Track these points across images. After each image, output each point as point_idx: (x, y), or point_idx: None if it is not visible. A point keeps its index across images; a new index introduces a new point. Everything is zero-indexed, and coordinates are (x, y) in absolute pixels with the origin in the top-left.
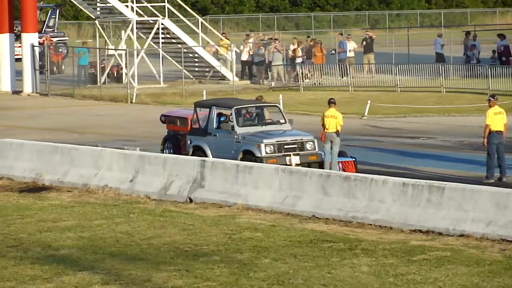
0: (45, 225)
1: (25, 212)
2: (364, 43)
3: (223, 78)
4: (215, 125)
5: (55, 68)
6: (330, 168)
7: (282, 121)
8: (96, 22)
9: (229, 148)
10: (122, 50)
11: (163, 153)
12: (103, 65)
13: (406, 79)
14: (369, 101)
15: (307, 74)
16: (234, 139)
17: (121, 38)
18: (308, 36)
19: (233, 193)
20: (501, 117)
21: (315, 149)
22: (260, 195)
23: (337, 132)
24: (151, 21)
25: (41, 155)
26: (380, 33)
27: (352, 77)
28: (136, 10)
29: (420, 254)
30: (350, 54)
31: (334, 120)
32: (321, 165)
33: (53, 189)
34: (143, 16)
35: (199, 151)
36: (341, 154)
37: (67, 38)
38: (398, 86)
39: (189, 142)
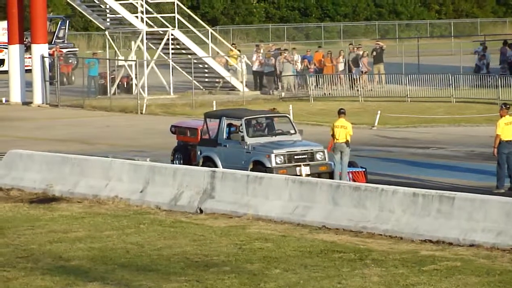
0: (56, 236)
1: (35, 223)
2: (374, 53)
3: (233, 88)
4: (225, 136)
5: (65, 79)
6: (340, 179)
7: (292, 131)
8: (106, 33)
9: (239, 159)
10: (132, 61)
11: (173, 163)
12: (113, 76)
13: (416, 89)
14: (379, 111)
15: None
16: (244, 149)
17: (131, 49)
18: (320, 46)
19: (243, 203)
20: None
21: (325, 160)
22: (270, 206)
23: (347, 142)
24: (161, 32)
25: (51, 166)
26: (390, 43)
27: (362, 88)
28: (146, 21)
29: (431, 264)
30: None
31: (344, 130)
32: (331, 175)
33: (63, 200)
34: (153, 27)
35: (209, 162)
36: (351, 164)
37: (77, 49)
38: (408, 96)
39: (199, 152)
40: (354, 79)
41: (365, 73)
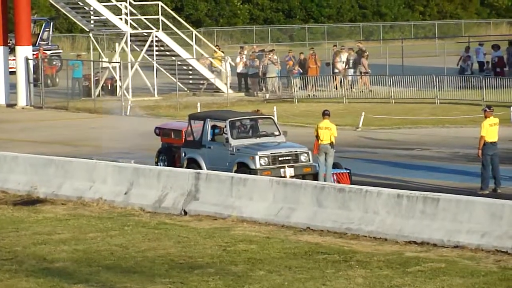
0: (40, 238)
1: (19, 225)
2: (356, 55)
3: (217, 90)
4: (209, 138)
5: (49, 81)
6: (325, 180)
7: (276, 133)
8: (90, 34)
9: (223, 160)
10: (116, 62)
11: (158, 165)
12: (97, 78)
13: (400, 90)
14: (363, 113)
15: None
16: (229, 151)
17: (115, 51)
18: (312, 48)
19: (227, 205)
20: (496, 128)
21: (309, 161)
22: (254, 207)
23: (331, 144)
24: (145, 34)
25: (35, 168)
26: (374, 44)
27: (346, 89)
28: (130, 23)
29: (415, 266)
30: (343, 65)
31: (328, 131)
32: (315, 177)
33: (47, 202)
34: (137, 29)
35: (193, 164)
36: (335, 165)
37: (61, 51)
38: (393, 97)
39: (183, 154)
40: (341, 80)
41: (365, 74)
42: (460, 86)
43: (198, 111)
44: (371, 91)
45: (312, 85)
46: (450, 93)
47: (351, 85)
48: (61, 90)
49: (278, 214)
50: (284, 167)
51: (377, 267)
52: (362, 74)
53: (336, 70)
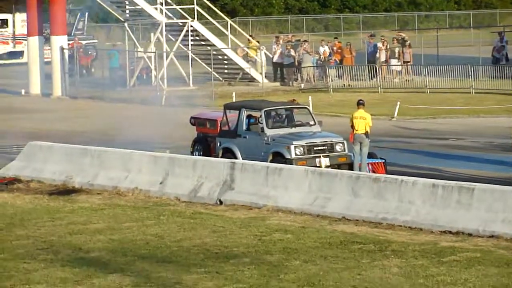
0: (75, 227)
1: (55, 215)
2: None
3: (253, 80)
4: (244, 127)
5: (84, 71)
6: (360, 170)
7: (312, 122)
8: (125, 24)
9: (258, 150)
10: (151, 52)
11: (193, 155)
12: (132, 68)
13: (435, 80)
14: (398, 102)
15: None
16: (264, 141)
17: (150, 41)
18: (336, 37)
19: (263, 195)
20: None
21: (344, 151)
22: (290, 197)
23: (366, 134)
24: (180, 24)
25: (70, 158)
26: (409, 34)
27: (383, 79)
28: (165, 13)
29: (450, 255)
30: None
31: (363, 121)
32: (350, 166)
33: (83, 192)
34: (172, 19)
35: (228, 153)
36: (370, 155)
37: (96, 40)
38: (428, 87)
39: (218, 144)
40: (376, 69)
41: (408, 64)
42: (495, 76)
43: (233, 100)
44: (408, 80)
45: (348, 75)
46: (485, 83)
47: (394, 75)
48: (97, 80)
49: (313, 203)
50: (319, 156)
51: (412, 256)
52: (405, 63)
53: (383, 59)
